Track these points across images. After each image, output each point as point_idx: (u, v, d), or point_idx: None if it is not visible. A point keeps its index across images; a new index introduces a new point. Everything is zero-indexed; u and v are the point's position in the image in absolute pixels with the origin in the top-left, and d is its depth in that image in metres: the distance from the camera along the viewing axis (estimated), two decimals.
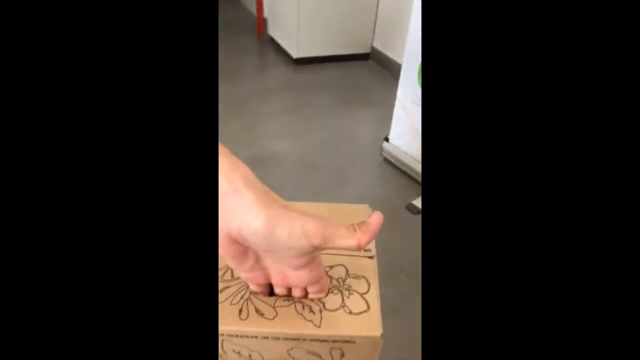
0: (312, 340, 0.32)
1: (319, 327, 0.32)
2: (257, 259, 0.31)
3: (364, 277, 0.36)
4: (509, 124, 0.26)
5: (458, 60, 0.26)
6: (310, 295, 0.34)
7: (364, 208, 0.43)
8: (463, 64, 0.26)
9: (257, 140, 1.17)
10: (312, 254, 0.30)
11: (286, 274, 0.32)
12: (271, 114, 1.34)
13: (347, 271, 0.36)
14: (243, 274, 0.33)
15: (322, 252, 0.38)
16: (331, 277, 0.36)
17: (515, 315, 0.25)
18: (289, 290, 0.34)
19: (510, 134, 0.26)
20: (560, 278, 0.25)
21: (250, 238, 0.28)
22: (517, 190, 0.25)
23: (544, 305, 0.25)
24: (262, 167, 1.00)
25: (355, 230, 0.29)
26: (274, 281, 0.33)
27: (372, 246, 0.39)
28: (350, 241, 0.29)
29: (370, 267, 0.37)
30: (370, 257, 0.38)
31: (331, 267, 0.37)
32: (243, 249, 0.30)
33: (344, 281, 0.35)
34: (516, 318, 0.25)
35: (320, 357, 0.33)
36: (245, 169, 0.28)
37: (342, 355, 0.33)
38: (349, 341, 0.32)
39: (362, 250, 0.38)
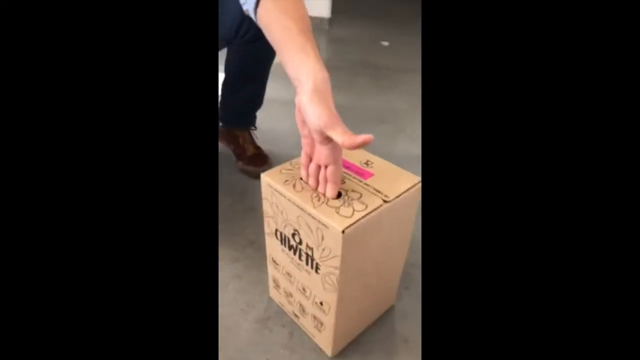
0: (308, 214, 0.50)
1: (314, 208, 0.50)
2: (309, 131, 0.49)
3: (366, 204, 0.51)
4: (507, 124, 0.27)
5: (458, 60, 0.28)
6: (327, 186, 0.51)
7: (411, 177, 0.57)
8: (463, 64, 0.28)
9: (396, 146, 1.27)
10: (324, 135, 0.46)
11: (317, 146, 0.50)
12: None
13: (360, 196, 0.53)
14: (302, 138, 0.52)
15: (349, 174, 0.56)
16: (347, 193, 0.53)
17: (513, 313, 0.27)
18: (318, 170, 0.52)
19: (510, 133, 0.27)
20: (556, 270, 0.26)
21: (300, 107, 0.47)
22: (516, 189, 0.27)
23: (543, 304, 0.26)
24: None
25: (347, 135, 0.44)
26: (312, 151, 0.52)
27: (393, 195, 0.53)
28: (339, 137, 0.45)
29: (376, 202, 0.52)
30: (385, 201, 0.52)
31: (353, 190, 0.54)
32: (303, 119, 0.49)
33: (352, 199, 0.52)
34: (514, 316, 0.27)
35: (311, 231, 0.52)
36: (322, 72, 0.47)
37: (322, 238, 0.50)
38: (325, 225, 0.49)
39: (381, 193, 0.53)
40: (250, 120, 1.10)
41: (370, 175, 0.57)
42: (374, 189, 0.54)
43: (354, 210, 0.50)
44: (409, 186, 0.55)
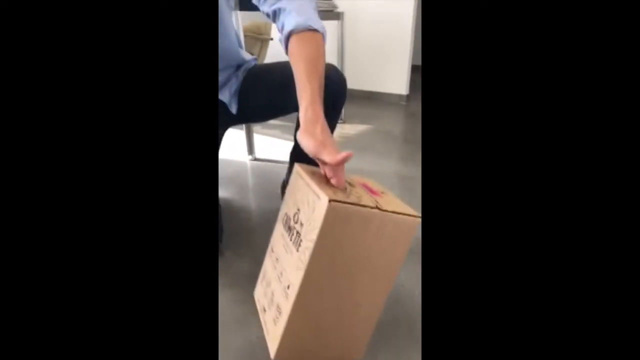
0: (311, 190, 0.56)
1: (317, 185, 0.55)
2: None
3: (361, 201, 0.54)
4: (507, 125, 0.27)
5: (457, 60, 0.28)
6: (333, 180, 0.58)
7: (412, 212, 0.59)
8: (462, 64, 0.28)
9: None
10: (321, 160, 0.55)
11: (322, 166, 0.59)
12: None
13: (360, 197, 0.56)
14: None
15: (362, 188, 0.61)
16: (352, 191, 0.57)
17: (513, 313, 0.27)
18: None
19: (509, 134, 0.27)
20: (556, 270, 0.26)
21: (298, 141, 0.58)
22: (516, 190, 0.27)
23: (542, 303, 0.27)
24: None
25: (332, 155, 0.53)
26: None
27: (388, 209, 0.55)
28: (326, 159, 0.54)
29: (370, 203, 0.54)
30: (379, 209, 0.54)
31: (358, 192, 0.58)
32: None
33: (351, 194, 0.56)
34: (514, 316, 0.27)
35: (308, 205, 0.56)
36: (312, 110, 0.57)
37: (313, 210, 0.54)
38: (318, 196, 0.53)
39: (379, 204, 0.56)
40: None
41: (378, 195, 0.61)
42: (375, 200, 0.57)
43: (349, 197, 0.54)
44: (406, 213, 0.57)
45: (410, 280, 0.88)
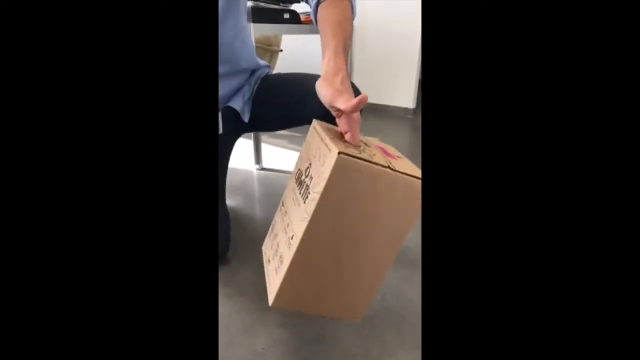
0: (324, 143, 0.54)
1: (330, 139, 0.53)
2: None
3: (373, 159, 0.52)
4: (507, 125, 0.27)
5: (457, 61, 0.28)
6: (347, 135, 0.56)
7: (416, 171, 0.57)
8: (462, 65, 0.28)
9: None
10: (336, 108, 0.55)
11: (337, 120, 0.58)
12: None
13: (373, 155, 0.54)
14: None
15: (377, 149, 0.59)
16: (365, 149, 0.55)
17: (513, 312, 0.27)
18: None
19: (509, 134, 0.27)
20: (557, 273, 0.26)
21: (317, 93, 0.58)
22: (516, 190, 0.27)
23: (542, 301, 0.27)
24: None
25: (347, 102, 0.51)
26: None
27: (400, 170, 0.53)
28: (342, 106, 0.52)
29: (382, 162, 0.52)
30: (390, 168, 0.52)
31: (372, 151, 0.56)
32: None
33: (364, 151, 0.53)
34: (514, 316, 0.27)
35: (319, 158, 0.54)
36: (332, 63, 0.58)
37: (323, 163, 0.51)
38: (329, 149, 0.51)
39: (391, 164, 0.53)
40: None
41: (394, 158, 0.59)
42: (388, 160, 0.55)
43: (360, 153, 0.52)
44: (419, 176, 0.55)
45: (399, 283, 0.88)
